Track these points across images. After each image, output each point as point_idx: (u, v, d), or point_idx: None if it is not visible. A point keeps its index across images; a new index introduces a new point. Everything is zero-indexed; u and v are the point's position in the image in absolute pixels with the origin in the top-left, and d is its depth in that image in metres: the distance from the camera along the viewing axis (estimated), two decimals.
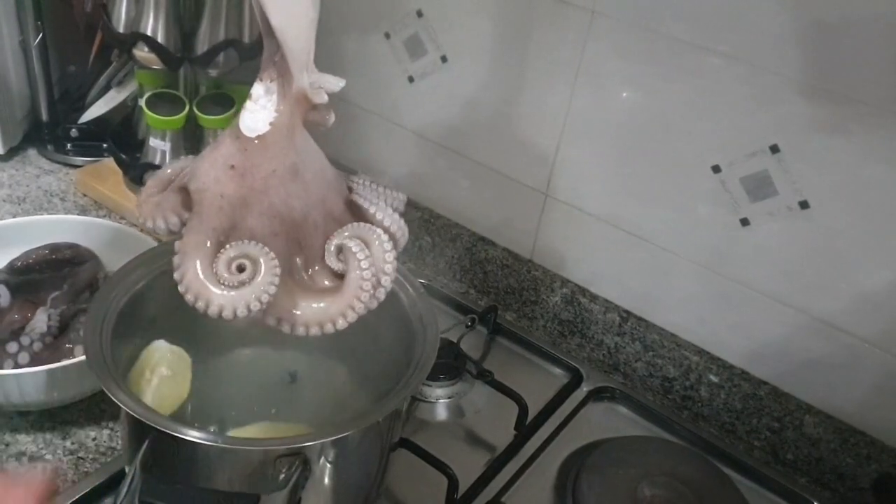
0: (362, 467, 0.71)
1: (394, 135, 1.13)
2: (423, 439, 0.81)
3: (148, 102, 1.08)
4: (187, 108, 1.09)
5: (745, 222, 0.87)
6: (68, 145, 1.24)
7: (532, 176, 1.02)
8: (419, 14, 1.03)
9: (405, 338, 0.74)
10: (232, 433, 0.77)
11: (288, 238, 0.61)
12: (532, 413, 0.91)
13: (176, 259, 0.60)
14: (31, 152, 1.24)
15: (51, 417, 0.84)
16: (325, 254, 0.64)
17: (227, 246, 0.59)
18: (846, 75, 0.77)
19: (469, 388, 0.95)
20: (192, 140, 1.13)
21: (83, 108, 1.24)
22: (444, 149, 1.09)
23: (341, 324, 0.62)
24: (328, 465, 0.65)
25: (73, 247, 0.95)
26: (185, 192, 0.62)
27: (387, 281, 0.63)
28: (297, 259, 0.62)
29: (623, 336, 1.00)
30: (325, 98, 0.62)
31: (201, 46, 1.03)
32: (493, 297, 1.11)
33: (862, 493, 0.88)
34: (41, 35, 1.18)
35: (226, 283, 0.58)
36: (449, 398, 0.94)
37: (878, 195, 0.79)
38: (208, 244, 0.59)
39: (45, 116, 1.24)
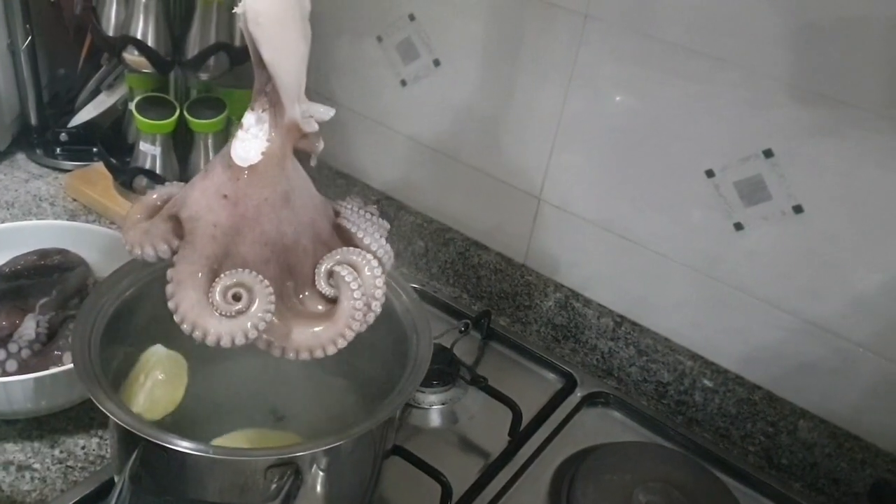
0: (355, 476, 0.70)
1: (386, 139, 1.13)
2: (416, 446, 0.81)
3: (138, 106, 1.07)
4: (178, 111, 1.08)
5: (738, 227, 0.87)
6: (57, 149, 1.23)
7: (525, 180, 1.02)
8: (411, 18, 1.03)
9: (398, 344, 0.73)
10: (222, 441, 0.76)
11: (279, 264, 0.62)
12: (526, 419, 0.90)
13: (170, 288, 0.59)
14: (20, 156, 1.23)
15: (39, 426, 0.83)
16: (316, 278, 0.64)
17: (222, 275, 0.59)
18: (840, 79, 0.77)
19: (462, 394, 0.94)
20: (182, 144, 1.13)
21: (72, 112, 1.23)
22: (437, 153, 1.08)
23: (331, 350, 0.62)
24: (321, 474, 0.64)
25: (62, 252, 0.94)
26: (174, 220, 0.62)
27: (377, 306, 0.63)
28: (289, 284, 0.63)
29: (617, 341, 1.00)
30: (316, 127, 0.62)
31: (192, 50, 1.02)
32: (486, 301, 1.10)
33: (857, 498, 0.88)
34: (30, 38, 1.17)
35: (222, 312, 0.59)
36: (442, 404, 0.93)
37: (871, 199, 0.79)
38: (202, 273, 0.59)
39: (34, 120, 1.23)
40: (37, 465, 0.80)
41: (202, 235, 0.60)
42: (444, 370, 0.94)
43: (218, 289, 0.58)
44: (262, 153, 0.60)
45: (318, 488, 0.65)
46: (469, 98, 1.02)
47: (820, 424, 0.89)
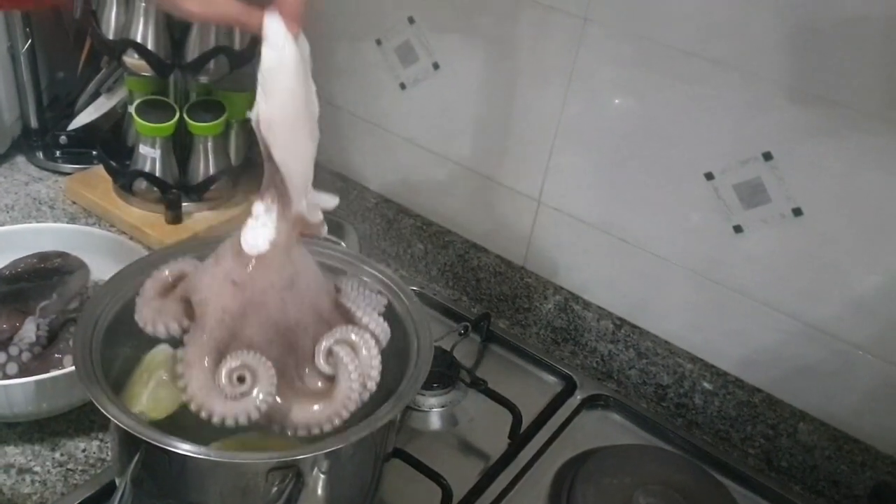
0: (356, 478, 0.70)
1: (385, 141, 1.13)
2: (416, 449, 0.81)
3: (138, 109, 1.07)
4: (177, 114, 1.08)
5: (738, 229, 0.87)
6: (57, 152, 1.23)
7: (525, 183, 1.02)
8: (411, 21, 1.03)
9: (399, 348, 0.73)
10: (221, 444, 0.76)
11: (282, 343, 0.65)
12: (526, 421, 0.90)
13: (180, 368, 0.63)
14: (20, 159, 1.23)
15: (39, 429, 0.83)
16: (316, 356, 0.67)
17: (228, 357, 0.62)
18: (838, 81, 0.77)
19: (462, 397, 0.94)
20: (181, 147, 1.13)
21: (72, 115, 1.23)
22: (436, 155, 1.08)
23: (328, 428, 0.65)
24: (322, 477, 0.64)
25: (62, 255, 0.94)
26: (185, 301, 0.65)
27: (372, 385, 0.66)
28: (290, 361, 0.65)
29: (617, 343, 1.00)
30: (321, 216, 0.66)
31: (191, 53, 1.03)
32: (485, 304, 1.10)
33: (857, 501, 0.88)
34: (30, 42, 1.17)
35: (227, 394, 0.62)
36: (442, 407, 0.93)
37: (870, 201, 0.79)
38: (209, 356, 0.62)
39: (33, 123, 1.23)
40: (37, 468, 0.80)
41: (211, 319, 0.63)
42: (444, 373, 0.94)
43: (224, 371, 0.62)
44: (271, 242, 0.64)
45: (320, 491, 0.65)
46: (468, 101, 1.03)
47: (820, 427, 0.89)
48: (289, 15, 0.58)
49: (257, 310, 0.63)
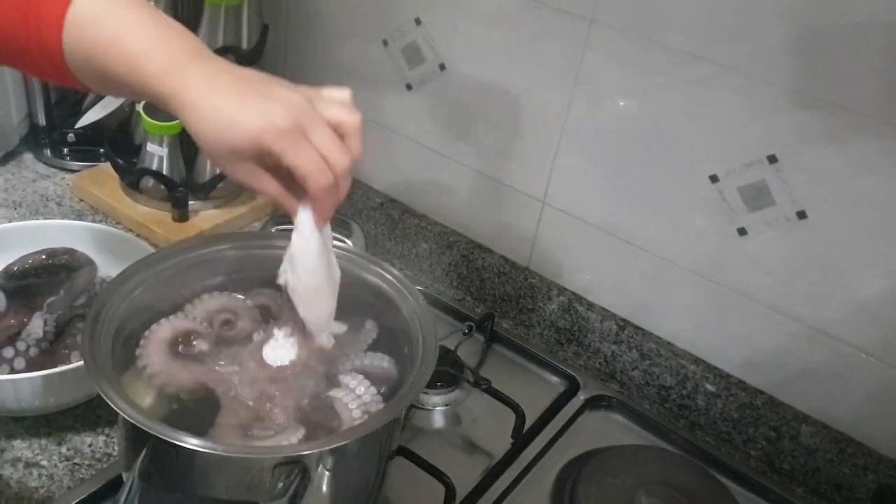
0: (361, 475, 0.70)
1: (391, 142, 1.13)
2: (420, 447, 0.81)
3: (145, 107, 1.08)
4: None
5: (742, 232, 0.88)
6: (65, 150, 1.24)
7: (529, 184, 1.02)
8: (417, 22, 1.03)
9: (404, 346, 0.74)
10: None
11: (306, 426, 0.70)
12: (529, 421, 0.90)
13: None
14: (28, 157, 1.24)
15: (46, 423, 0.83)
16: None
17: (254, 430, 0.68)
18: (843, 85, 0.77)
19: (466, 396, 0.95)
20: (188, 145, 1.13)
21: (80, 113, 1.23)
22: (442, 156, 1.09)
23: None
24: (327, 474, 0.64)
25: (69, 252, 0.95)
26: (204, 387, 0.70)
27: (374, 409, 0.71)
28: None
29: (620, 344, 1.01)
30: (333, 340, 0.72)
31: None
32: (489, 304, 1.11)
33: None
34: None
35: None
36: (446, 406, 0.94)
37: (874, 205, 0.79)
38: (237, 433, 0.68)
39: (41, 121, 1.24)
40: (44, 462, 0.80)
41: (238, 406, 0.69)
42: (448, 372, 0.94)
43: (252, 433, 0.67)
44: (291, 361, 0.71)
45: (325, 488, 0.65)
46: (474, 102, 1.03)
47: (822, 430, 0.89)
48: (320, 214, 0.64)
49: (278, 403, 0.69)
